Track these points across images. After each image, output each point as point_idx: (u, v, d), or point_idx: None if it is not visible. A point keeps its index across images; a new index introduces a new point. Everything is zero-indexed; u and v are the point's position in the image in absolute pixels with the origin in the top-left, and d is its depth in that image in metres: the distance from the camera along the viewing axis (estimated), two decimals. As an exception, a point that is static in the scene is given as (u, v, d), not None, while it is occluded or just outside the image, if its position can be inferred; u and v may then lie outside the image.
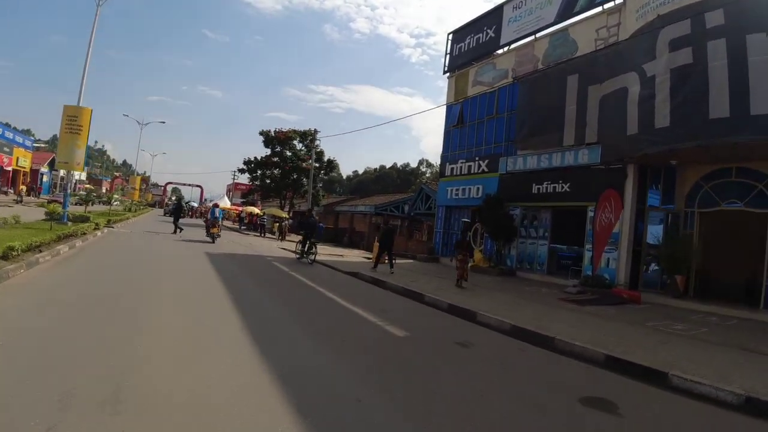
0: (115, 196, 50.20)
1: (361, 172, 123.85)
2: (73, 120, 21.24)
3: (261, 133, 44.83)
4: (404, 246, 31.76)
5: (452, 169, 24.75)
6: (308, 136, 42.84)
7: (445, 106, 26.59)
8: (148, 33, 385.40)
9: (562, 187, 18.33)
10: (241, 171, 47.44)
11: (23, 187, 49.89)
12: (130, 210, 50.07)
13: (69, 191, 23.04)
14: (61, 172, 75.55)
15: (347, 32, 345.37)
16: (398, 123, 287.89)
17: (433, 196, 28.95)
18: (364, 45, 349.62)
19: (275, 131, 44.32)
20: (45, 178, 68.74)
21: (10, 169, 52.16)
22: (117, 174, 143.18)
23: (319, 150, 42.94)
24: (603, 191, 16.41)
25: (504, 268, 19.86)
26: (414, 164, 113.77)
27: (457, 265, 14.50)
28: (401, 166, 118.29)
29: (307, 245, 18.84)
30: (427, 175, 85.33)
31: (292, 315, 8.17)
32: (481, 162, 22.87)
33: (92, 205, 46.60)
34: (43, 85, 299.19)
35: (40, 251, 11.57)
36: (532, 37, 21.72)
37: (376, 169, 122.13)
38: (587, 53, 18.10)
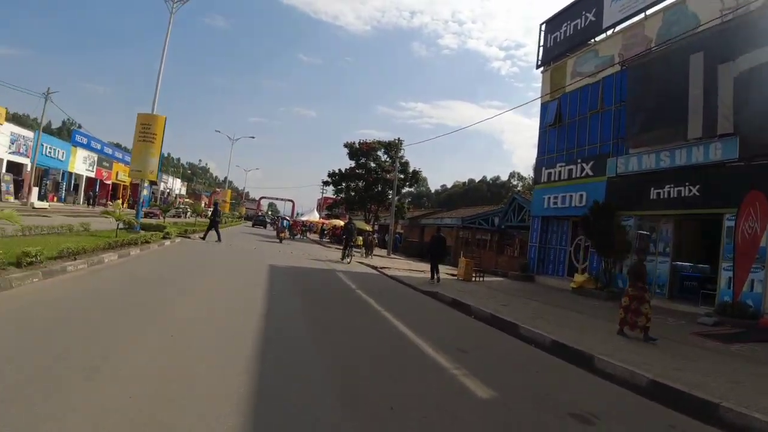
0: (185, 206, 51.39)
1: (449, 185, 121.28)
2: (147, 128, 20.67)
3: (346, 145, 43.90)
4: (494, 262, 28.81)
5: (549, 174, 21.63)
6: (393, 147, 41.12)
7: (536, 104, 23.57)
8: (249, 60, 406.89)
9: (689, 191, 14.77)
10: (326, 183, 46.88)
11: (118, 200, 52.07)
12: (222, 222, 50.97)
13: (141, 201, 22.37)
14: (161, 186, 79.88)
15: (435, 49, 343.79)
16: (489, 137, 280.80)
17: (526, 207, 25.92)
18: (452, 60, 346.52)
19: (359, 143, 43.22)
20: (145, 192, 71.79)
21: (110, 182, 54.87)
22: (217, 189, 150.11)
23: (403, 160, 41.11)
24: (745, 194, 12.79)
25: (614, 291, 16.49)
26: (504, 177, 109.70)
27: (626, 302, 8.94)
28: (491, 179, 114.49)
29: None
30: (519, 188, 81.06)
31: (326, 350, 5.93)
32: (584, 165, 19.65)
33: (186, 216, 47.91)
34: (148, 108, 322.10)
35: (75, 259, 10.37)
36: (642, 15, 18.27)
37: (464, 183, 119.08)
38: (713, 26, 14.59)
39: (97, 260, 11.20)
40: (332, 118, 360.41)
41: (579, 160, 19.91)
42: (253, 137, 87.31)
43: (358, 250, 29.91)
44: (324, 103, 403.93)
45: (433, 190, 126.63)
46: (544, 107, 23.11)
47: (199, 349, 5.14)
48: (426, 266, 24.88)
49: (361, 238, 32.29)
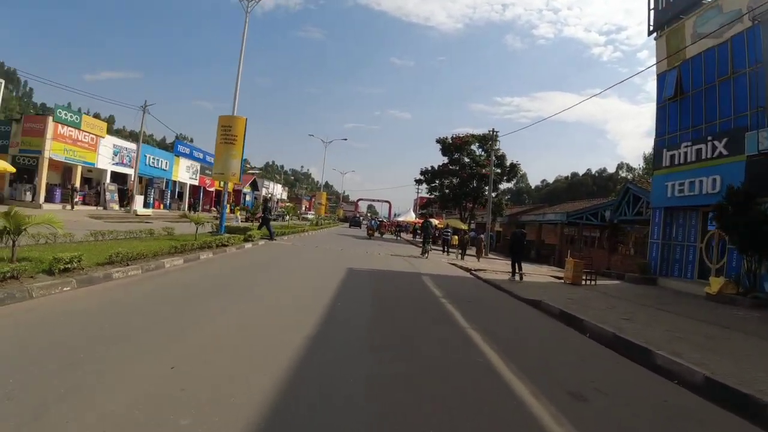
0: (287, 209, 51.96)
1: (551, 180, 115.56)
2: (228, 130, 20.12)
3: (438, 141, 41.87)
4: (605, 262, 25.55)
5: (672, 156, 18.17)
6: (487, 140, 38.55)
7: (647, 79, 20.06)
8: (344, 68, 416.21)
9: None
10: (418, 182, 45.00)
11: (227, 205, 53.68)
12: (316, 224, 51.13)
13: (226, 203, 21.81)
14: (263, 191, 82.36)
15: (530, 40, 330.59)
16: (591, 127, 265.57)
17: (644, 197, 22.50)
18: (548, 50, 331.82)
19: (452, 137, 40.95)
20: (248, 198, 74.58)
21: (212, 189, 56.83)
22: (316, 193, 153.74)
23: (500, 153, 38.40)
24: None
25: (760, 296, 13.20)
26: (611, 169, 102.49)
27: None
28: (597, 171, 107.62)
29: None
30: (630, 178, 74.91)
31: (379, 396, 4.08)
32: (715, 142, 16.04)
33: (283, 219, 48.34)
34: (253, 120, 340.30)
35: (127, 264, 9.48)
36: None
37: (567, 177, 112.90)
38: None
39: (156, 265, 10.27)
40: (427, 118, 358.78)
41: (709, 138, 16.41)
42: (345, 139, 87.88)
43: (454, 251, 27.88)
44: (419, 105, 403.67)
45: (533, 186, 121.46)
46: (661, 78, 19.62)
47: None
48: (529, 267, 22.52)
49: (456, 237, 30.06)
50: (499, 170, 38.68)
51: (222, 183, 23.40)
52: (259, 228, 22.62)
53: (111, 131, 41.03)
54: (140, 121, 35.81)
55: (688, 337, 7.62)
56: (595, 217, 30.69)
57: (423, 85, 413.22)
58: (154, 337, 5.14)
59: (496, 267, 20.29)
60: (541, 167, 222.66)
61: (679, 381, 5.57)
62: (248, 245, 17.98)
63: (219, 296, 8.01)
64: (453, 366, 5.22)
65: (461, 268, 19.27)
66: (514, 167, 39.91)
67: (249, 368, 4.38)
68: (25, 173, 31.21)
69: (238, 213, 45.55)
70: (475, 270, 18.13)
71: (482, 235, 29.99)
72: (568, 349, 6.93)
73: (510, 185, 72.44)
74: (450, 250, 29.56)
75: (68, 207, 30.47)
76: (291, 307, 7.65)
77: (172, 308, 6.77)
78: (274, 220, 51.21)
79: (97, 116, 33.96)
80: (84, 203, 34.93)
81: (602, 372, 5.71)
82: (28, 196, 29.83)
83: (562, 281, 16.65)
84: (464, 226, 36.10)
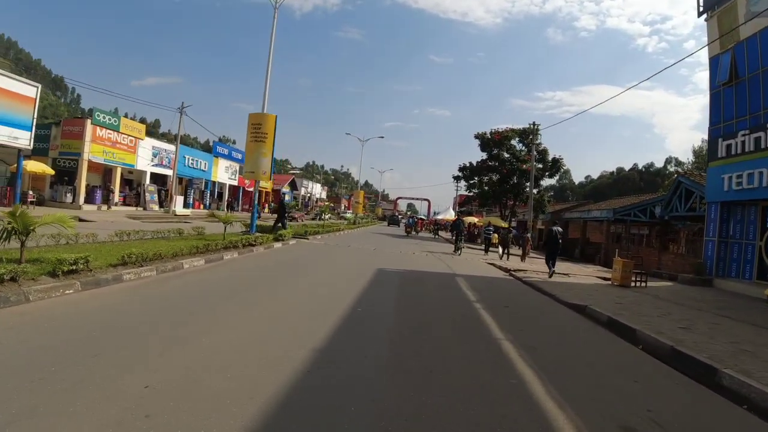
0: (327, 210, 51.62)
1: (595, 177, 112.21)
2: (258, 128, 19.68)
3: (476, 137, 40.51)
4: (656, 261, 24.02)
5: (728, 146, 16.51)
6: (528, 134, 37.14)
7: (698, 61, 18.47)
8: (383, 67, 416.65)
9: None
10: (456, 179, 43.88)
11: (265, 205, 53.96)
12: (354, 223, 50.73)
13: (257, 203, 21.39)
14: (302, 191, 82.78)
15: (572, 32, 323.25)
16: (636, 121, 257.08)
17: (697, 191, 20.90)
18: (591, 43, 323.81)
19: (491, 132, 39.59)
20: (287, 197, 74.85)
21: (251, 189, 57.08)
22: (354, 192, 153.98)
23: (541, 148, 36.92)
24: None
25: None
26: (659, 164, 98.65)
27: None
28: (643, 167, 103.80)
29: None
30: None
31: None
32: None
33: (320, 218, 48.17)
34: (295, 121, 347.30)
35: (140, 266, 9.04)
36: None
37: (612, 172, 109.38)
38: None
39: (173, 266, 9.83)
40: (467, 115, 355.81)
41: (768, 125, 15.02)
42: (382, 137, 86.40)
43: (495, 250, 26.29)
44: (458, 102, 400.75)
45: (576, 183, 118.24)
46: (714, 62, 18.01)
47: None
48: (573, 267, 21.36)
49: (496, 235, 28.69)
50: (540, 165, 37.17)
51: (256, 182, 22.74)
52: (275, 224, 22.10)
53: (156, 135, 41.62)
54: (183, 124, 36.07)
55: (757, 351, 6.53)
56: (644, 214, 29.00)
57: (462, 82, 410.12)
58: (134, 353, 4.48)
59: (537, 267, 19.10)
60: (584, 163, 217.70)
61: (749, 405, 4.62)
62: (277, 245, 17.51)
63: (228, 301, 7.39)
64: (481, 390, 4.35)
65: (500, 268, 18.20)
66: (556, 162, 38.24)
67: (235, 396, 3.69)
68: (66, 175, 31.75)
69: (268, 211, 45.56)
70: (514, 270, 17.05)
71: (528, 234, 26.61)
72: (619, 366, 5.92)
73: (552, 181, 70.30)
74: (491, 249, 27.46)
75: (104, 207, 30.76)
76: (303, 315, 6.94)
77: (169, 317, 6.13)
78: (313, 218, 51.23)
79: (143, 120, 34.29)
80: (124, 204, 35.45)
81: (660, 397, 4.71)
82: (69, 198, 30.32)
83: (610, 282, 15.45)
84: (505, 224, 34.92)
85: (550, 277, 15.65)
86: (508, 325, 7.48)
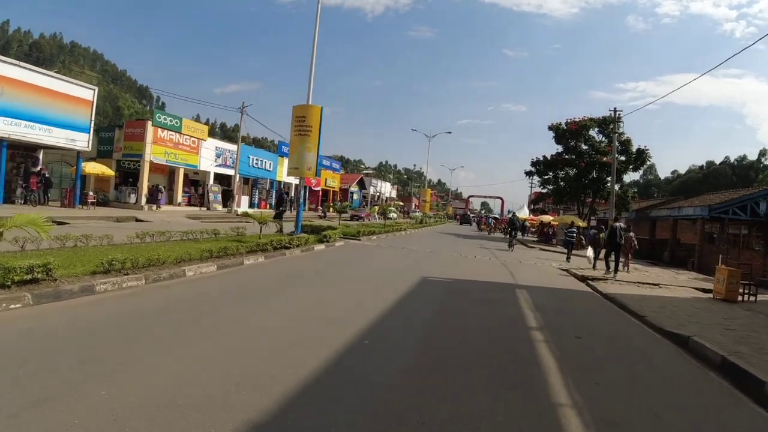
0: (391, 209, 49.83)
1: (682, 171, 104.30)
2: (302, 121, 18.22)
3: (551, 128, 37.13)
4: (758, 267, 20.39)
5: None
6: (608, 123, 33.62)
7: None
8: (456, 64, 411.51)
9: None
10: (529, 174, 40.55)
11: (330, 204, 53.12)
12: (420, 222, 48.78)
13: (303, 201, 19.93)
14: (371, 190, 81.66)
15: (653, 19, 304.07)
16: (726, 112, 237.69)
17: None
18: (674, 30, 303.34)
19: (567, 122, 36.17)
20: (356, 197, 74.11)
21: (318, 189, 56.54)
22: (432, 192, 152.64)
23: (624, 138, 33.25)
24: None
25: None
26: (752, 156, 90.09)
27: None
28: (735, 160, 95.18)
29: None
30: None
31: None
32: None
33: (383, 218, 46.45)
34: (368, 122, 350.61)
35: (126, 273, 7.62)
36: None
37: (701, 166, 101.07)
38: None
39: (170, 274, 8.32)
40: (544, 110, 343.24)
41: None
42: (449, 132, 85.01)
43: (581, 254, 21.47)
44: (534, 96, 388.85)
45: (662, 178, 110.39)
46: None
47: None
48: (663, 273, 18.41)
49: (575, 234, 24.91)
50: (623, 157, 33.35)
51: (310, 180, 21.43)
52: (275, 218, 19.74)
53: (236, 138, 41.63)
54: (243, 125, 35.61)
55: None
56: (743, 211, 24.93)
57: (538, 76, 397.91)
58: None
59: (634, 277, 16.08)
60: (670, 157, 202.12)
61: None
62: (319, 247, 15.89)
63: (191, 326, 5.64)
64: None
65: (575, 276, 15.35)
66: (641, 153, 34.10)
67: None
68: (130, 176, 31.95)
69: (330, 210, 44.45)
70: (592, 280, 14.19)
71: (632, 233, 19.54)
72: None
73: (636, 176, 65.32)
74: (572, 254, 21.78)
75: (166, 208, 30.57)
76: (276, 349, 5.00)
77: (115, 348, 4.54)
78: (380, 218, 49.61)
79: (222, 125, 34.22)
80: (189, 204, 35.40)
81: None
82: (132, 198, 30.36)
83: (711, 296, 12.51)
84: (581, 223, 31.71)
85: (610, 276, 14.88)
86: (577, 372, 5.13)
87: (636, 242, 19.48)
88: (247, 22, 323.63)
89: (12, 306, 5.68)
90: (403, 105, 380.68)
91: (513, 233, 26.14)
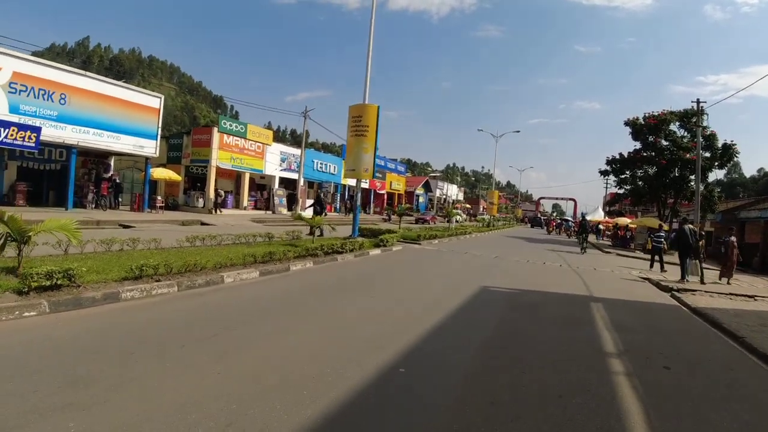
0: (457, 212, 48.54)
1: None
2: (358, 121, 17.67)
3: (627, 123, 34.66)
4: None
5: None
6: (690, 116, 31.02)
7: None
8: (525, 62, 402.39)
9: None
10: (604, 173, 38.10)
11: (393, 208, 52.66)
12: (488, 225, 47.26)
13: (359, 203, 19.33)
14: (437, 192, 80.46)
15: (732, 7, 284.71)
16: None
17: None
18: (756, 17, 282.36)
19: (645, 116, 33.68)
20: (421, 200, 73.26)
21: (383, 192, 56.17)
22: (501, 194, 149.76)
23: (708, 132, 30.54)
24: None
25: None
26: None
27: None
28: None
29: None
30: None
31: None
32: None
33: (451, 221, 45.23)
34: (437, 124, 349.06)
35: (157, 280, 7.21)
36: None
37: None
38: None
39: (206, 281, 7.86)
40: (619, 107, 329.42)
41: None
42: (518, 131, 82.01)
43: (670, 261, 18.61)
44: (608, 93, 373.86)
45: (747, 176, 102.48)
46: None
47: None
48: (759, 281, 16.42)
49: (649, 240, 22.73)
50: (707, 154, 30.41)
51: (374, 183, 20.93)
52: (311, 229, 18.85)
53: (306, 144, 42.20)
54: (329, 134, 35.75)
55: None
56: None
57: (612, 71, 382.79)
58: None
59: (713, 286, 14.16)
60: (756, 155, 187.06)
61: None
62: (375, 252, 15.14)
63: (214, 345, 4.98)
64: None
65: (660, 286, 13.51)
66: (728, 149, 30.97)
67: None
68: (198, 181, 32.69)
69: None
70: (681, 291, 12.29)
71: (732, 238, 16.64)
72: None
73: (720, 175, 60.62)
74: (660, 261, 18.28)
75: (220, 211, 30.90)
76: (298, 377, 4.26)
77: (102, 370, 3.98)
78: (445, 221, 48.33)
79: (293, 132, 34.73)
80: (255, 208, 35.85)
81: None
82: (200, 202, 31.00)
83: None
84: (665, 226, 29.21)
85: (686, 281, 14.02)
86: (670, 424, 3.98)
87: (737, 250, 16.48)
88: (316, 32, 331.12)
89: (26, 314, 5.36)
90: (471, 106, 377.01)
91: (585, 236, 26.13)
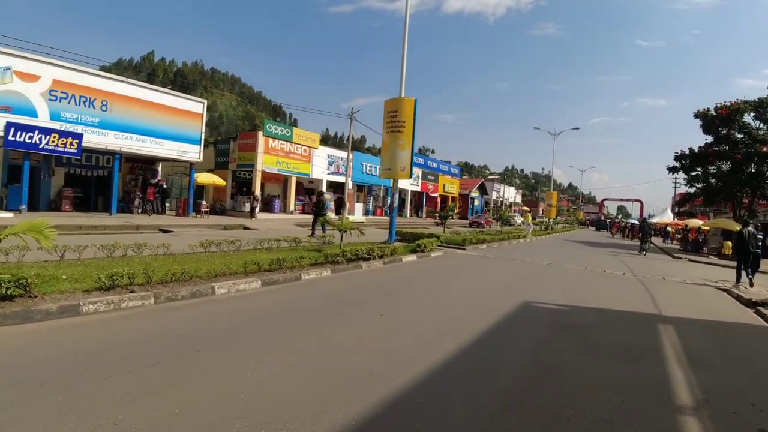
0: (514, 215, 46.57)
1: None
2: (393, 116, 16.58)
3: (697, 115, 31.65)
4: None
5: None
6: (766, 105, 28.03)
7: None
8: (584, 60, 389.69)
9: None
10: (672, 170, 35.00)
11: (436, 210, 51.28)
12: (546, 228, 45.06)
13: (396, 205, 18.16)
14: (493, 195, 78.15)
15: None
16: None
17: None
18: None
19: (716, 108, 30.77)
20: (477, 202, 71.29)
21: (436, 195, 54.80)
22: (562, 197, 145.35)
23: (786, 121, 27.32)
24: None
25: None
26: None
27: None
28: None
29: None
30: None
31: None
32: None
33: (507, 224, 43.24)
34: (494, 126, 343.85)
35: (131, 291, 6.38)
36: None
37: None
38: None
39: (193, 292, 6.91)
40: (686, 103, 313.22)
41: None
42: (576, 128, 77.88)
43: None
44: (674, 88, 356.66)
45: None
46: None
47: None
48: None
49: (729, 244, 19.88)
50: (787, 145, 27.56)
51: (426, 185, 19.81)
52: (313, 225, 18.15)
53: (363, 149, 41.88)
54: (353, 129, 35.04)
55: None
56: None
57: (677, 66, 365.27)
58: None
59: None
60: None
61: None
62: (410, 258, 13.91)
63: (151, 376, 3.94)
64: None
65: (741, 300, 11.28)
66: None
67: None
68: (245, 186, 32.56)
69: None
70: (764, 305, 10.22)
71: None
72: None
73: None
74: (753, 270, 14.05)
75: (252, 216, 30.49)
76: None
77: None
78: (506, 224, 46.27)
79: (351, 138, 33.93)
80: (303, 212, 35.39)
81: None
82: (247, 207, 30.80)
83: None
84: (737, 227, 26.32)
85: (743, 288, 12.58)
86: None
87: None
88: (372, 38, 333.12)
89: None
90: (529, 106, 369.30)
91: (646, 238, 25.68)
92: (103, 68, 43.09)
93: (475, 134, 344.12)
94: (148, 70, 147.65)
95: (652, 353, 6.02)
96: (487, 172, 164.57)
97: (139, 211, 24.65)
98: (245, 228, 21.82)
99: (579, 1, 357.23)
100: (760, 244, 14.44)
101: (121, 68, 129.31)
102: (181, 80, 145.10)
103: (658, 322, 7.95)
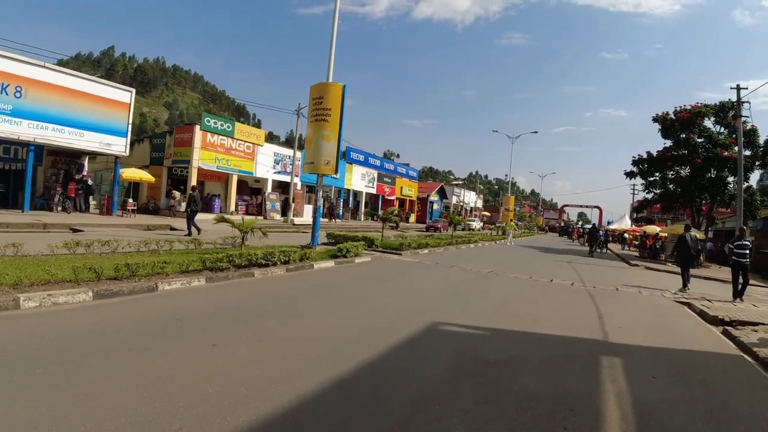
0: (470, 220, 45.58)
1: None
2: (318, 103, 14.61)
3: (656, 119, 30.56)
4: None
5: None
6: (727, 109, 27.26)
7: None
8: (551, 70, 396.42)
9: None
10: (629, 175, 33.86)
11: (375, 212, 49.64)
12: (503, 233, 43.65)
13: (320, 204, 16.05)
14: (453, 199, 76.93)
15: (762, 13, 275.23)
16: None
17: None
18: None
19: (676, 111, 29.78)
20: (436, 206, 69.98)
21: (393, 198, 53.12)
22: (524, 203, 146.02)
23: (749, 128, 26.47)
24: None
25: None
26: None
27: None
28: None
29: None
30: None
31: None
32: None
33: (464, 229, 41.67)
34: (460, 133, 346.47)
35: None
36: None
37: None
38: None
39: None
40: (647, 114, 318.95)
41: None
42: (535, 132, 77.86)
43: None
44: (635, 100, 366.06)
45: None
46: None
47: None
48: None
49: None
50: (748, 152, 26.45)
51: (383, 188, 17.88)
52: (188, 225, 16.76)
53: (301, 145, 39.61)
54: (299, 126, 32.96)
55: None
56: None
57: (640, 78, 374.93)
58: None
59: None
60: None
61: None
62: (325, 264, 11.90)
63: None
64: None
65: (706, 317, 9.50)
66: None
67: None
68: (182, 184, 30.17)
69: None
70: (732, 324, 8.69)
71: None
72: None
73: (764, 180, 55.67)
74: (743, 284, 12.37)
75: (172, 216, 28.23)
76: None
77: None
78: (464, 229, 44.44)
79: (298, 135, 31.69)
80: (246, 212, 33.13)
81: None
82: (183, 206, 28.41)
83: None
84: (701, 235, 25.16)
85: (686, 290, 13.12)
86: None
87: None
88: (340, 40, 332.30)
89: None
90: (495, 115, 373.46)
91: (594, 242, 29.23)
92: (60, 62, 39.97)
93: (442, 140, 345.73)
94: (107, 66, 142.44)
95: (584, 411, 4.07)
96: (452, 177, 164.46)
97: (59, 208, 22.34)
98: (172, 229, 19.64)
99: (547, 13, 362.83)
100: (748, 252, 12.36)
101: (80, 62, 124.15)
102: (141, 76, 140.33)
103: (602, 354, 6.09)
